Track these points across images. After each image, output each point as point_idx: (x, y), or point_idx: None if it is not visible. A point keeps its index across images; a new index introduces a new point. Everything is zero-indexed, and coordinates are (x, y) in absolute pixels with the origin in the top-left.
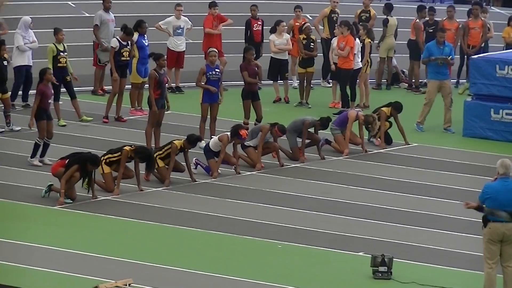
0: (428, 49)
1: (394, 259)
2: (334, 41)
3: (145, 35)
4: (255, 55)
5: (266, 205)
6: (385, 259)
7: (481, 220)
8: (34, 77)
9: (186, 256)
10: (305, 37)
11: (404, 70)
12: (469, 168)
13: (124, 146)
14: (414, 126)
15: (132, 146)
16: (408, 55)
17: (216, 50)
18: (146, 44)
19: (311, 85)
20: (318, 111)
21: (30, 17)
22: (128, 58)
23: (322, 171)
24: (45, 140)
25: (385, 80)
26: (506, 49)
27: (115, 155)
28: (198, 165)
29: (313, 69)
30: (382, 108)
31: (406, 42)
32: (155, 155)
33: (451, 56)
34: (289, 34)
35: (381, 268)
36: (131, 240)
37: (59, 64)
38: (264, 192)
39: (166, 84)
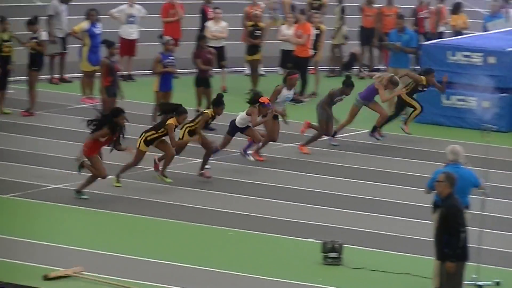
0: (390, 36)
1: (345, 245)
2: (284, 29)
3: (97, 23)
4: (208, 43)
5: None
6: (335, 245)
7: (431, 205)
8: None
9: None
10: (252, 24)
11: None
12: (420, 154)
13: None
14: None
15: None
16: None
17: (173, 39)
18: (98, 32)
19: (262, 73)
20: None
21: None
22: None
23: (277, 159)
24: None
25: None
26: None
27: (158, 132)
28: (245, 152)
29: (259, 56)
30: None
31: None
32: (185, 127)
33: (399, 43)
34: (247, 20)
35: (332, 254)
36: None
37: (2, 53)
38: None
39: (119, 72)
